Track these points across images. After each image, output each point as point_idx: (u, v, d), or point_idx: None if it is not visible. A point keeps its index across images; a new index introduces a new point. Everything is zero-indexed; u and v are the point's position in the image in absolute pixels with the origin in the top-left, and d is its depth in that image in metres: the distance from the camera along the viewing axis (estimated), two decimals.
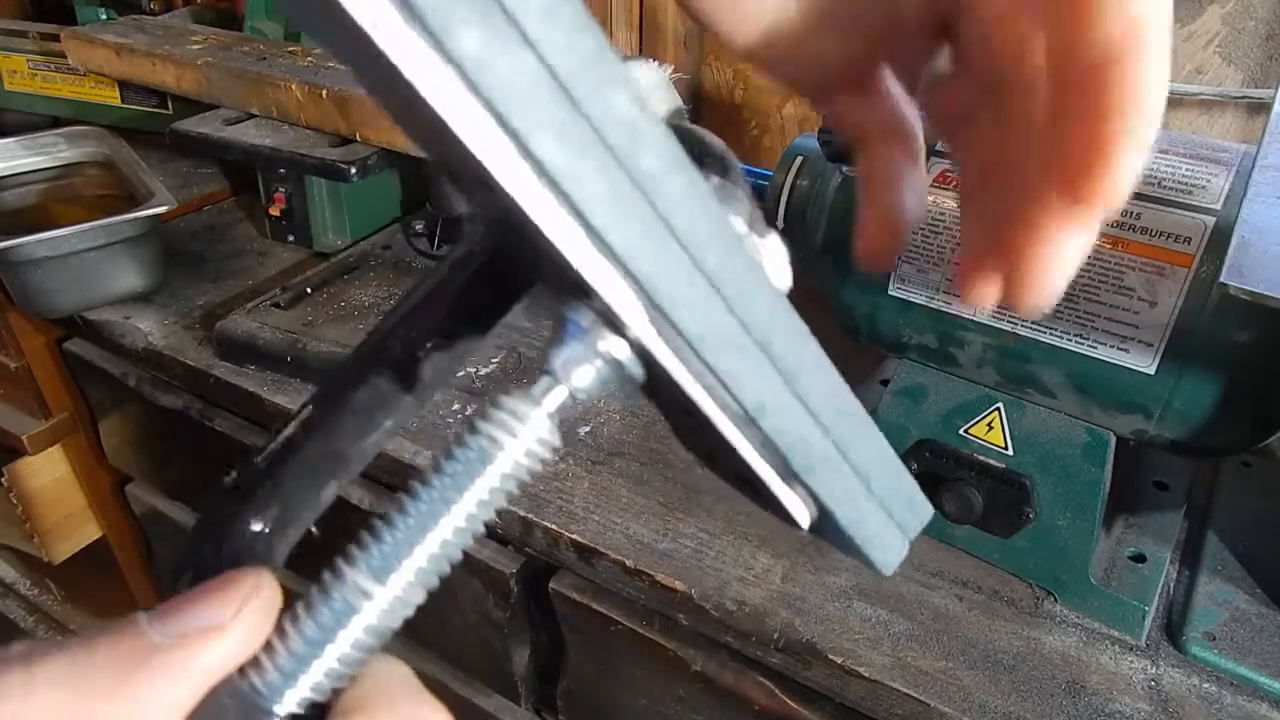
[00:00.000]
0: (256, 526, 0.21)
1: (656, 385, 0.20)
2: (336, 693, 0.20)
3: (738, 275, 0.17)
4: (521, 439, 0.19)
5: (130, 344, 0.85)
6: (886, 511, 0.22)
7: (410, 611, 0.20)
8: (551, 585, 0.68)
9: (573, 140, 0.15)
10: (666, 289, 0.17)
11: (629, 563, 0.61)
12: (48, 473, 1.10)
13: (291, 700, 0.19)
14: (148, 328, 0.86)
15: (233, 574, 0.20)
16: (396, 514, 0.19)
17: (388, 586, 0.19)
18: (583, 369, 0.19)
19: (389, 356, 0.22)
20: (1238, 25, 0.70)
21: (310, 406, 0.22)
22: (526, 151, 0.15)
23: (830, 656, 0.55)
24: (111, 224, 0.82)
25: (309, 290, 0.86)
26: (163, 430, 0.96)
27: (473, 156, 0.15)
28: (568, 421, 0.18)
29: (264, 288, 0.89)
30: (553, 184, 0.15)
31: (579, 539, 0.63)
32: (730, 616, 0.58)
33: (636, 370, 0.19)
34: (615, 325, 0.18)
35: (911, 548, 0.23)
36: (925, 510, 0.23)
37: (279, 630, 0.19)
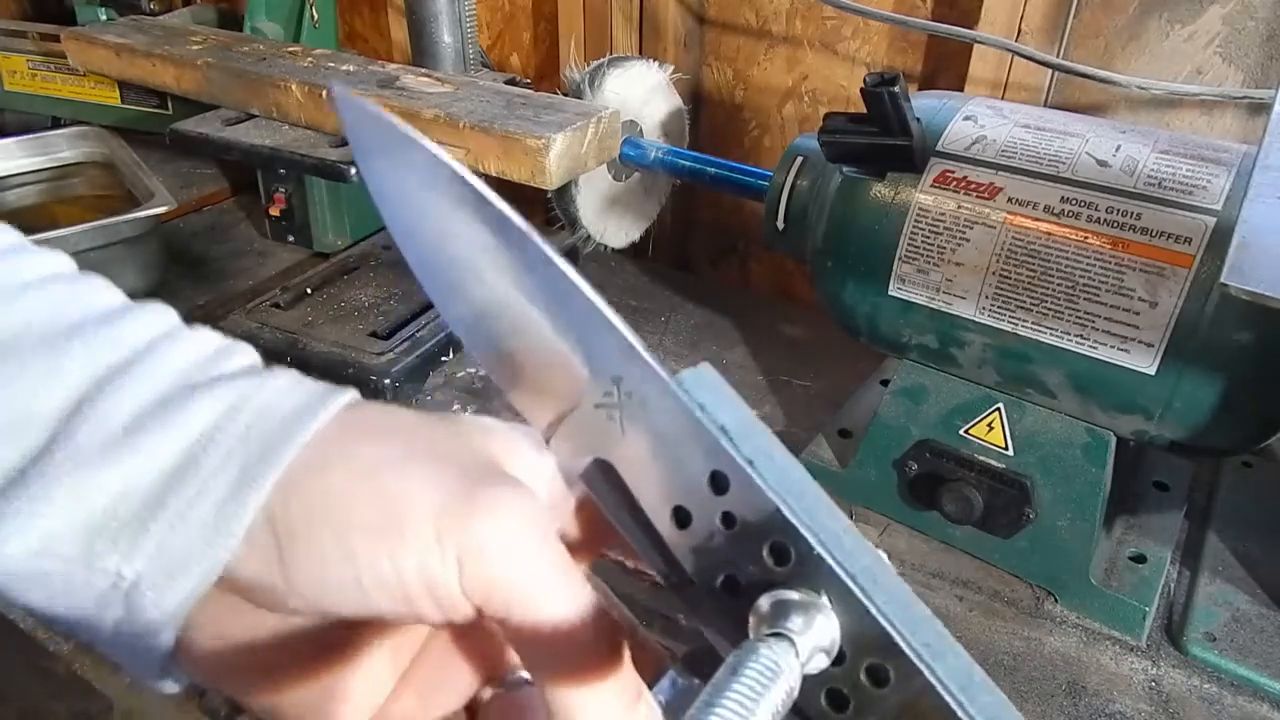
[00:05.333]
0: None
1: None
2: None
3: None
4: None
5: None
6: None
7: None
8: None
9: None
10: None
11: (629, 563, 0.61)
12: None
13: None
14: None
15: None
16: None
17: None
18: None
19: None
20: (1238, 25, 0.70)
21: None
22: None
23: None
24: (111, 224, 0.82)
25: (309, 290, 0.86)
26: None
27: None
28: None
29: (264, 288, 0.89)
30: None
31: None
32: None
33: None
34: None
35: None
36: None
37: None
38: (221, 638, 0.23)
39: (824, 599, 0.20)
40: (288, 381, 0.24)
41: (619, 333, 0.21)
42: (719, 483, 0.21)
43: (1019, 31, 0.75)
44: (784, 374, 0.82)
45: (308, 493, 0.21)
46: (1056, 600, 0.58)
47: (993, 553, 0.60)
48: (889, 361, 0.74)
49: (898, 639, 0.20)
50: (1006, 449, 0.57)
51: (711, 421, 0.20)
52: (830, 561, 0.20)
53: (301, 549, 0.21)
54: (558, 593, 0.22)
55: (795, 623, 0.20)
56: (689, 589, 0.23)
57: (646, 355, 0.21)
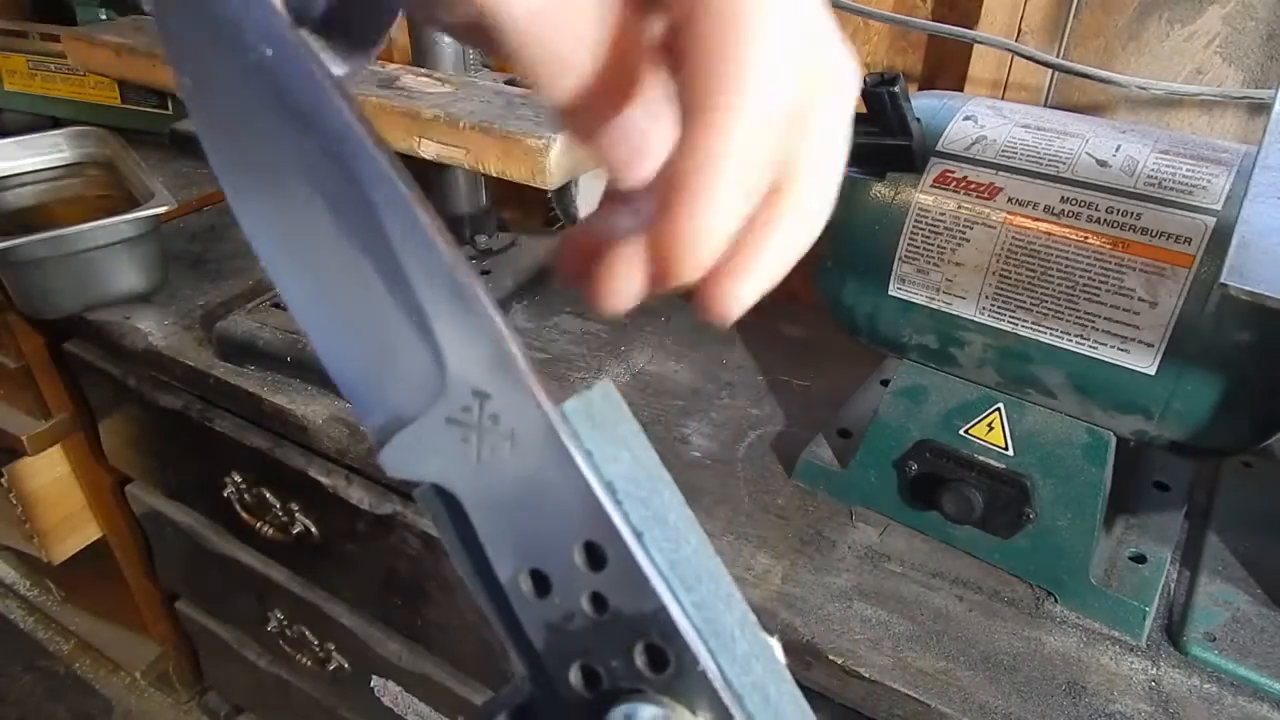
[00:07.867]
0: None
1: None
2: None
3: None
4: None
5: (130, 344, 0.85)
6: None
7: None
8: None
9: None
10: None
11: None
12: (48, 473, 1.10)
13: None
14: (148, 328, 0.86)
15: None
16: None
17: None
18: None
19: None
20: (1238, 25, 0.70)
21: None
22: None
23: (831, 657, 0.55)
24: (111, 224, 0.82)
25: None
26: (163, 430, 0.96)
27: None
28: None
29: (264, 288, 0.89)
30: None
31: None
32: None
33: None
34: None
35: None
36: None
37: None
38: None
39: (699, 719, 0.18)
40: None
41: (492, 333, 0.16)
42: (595, 556, 0.17)
43: (1019, 31, 0.75)
44: (784, 374, 0.82)
45: None
46: (1056, 600, 0.58)
47: (993, 553, 0.60)
48: (889, 361, 0.74)
49: None
50: (1006, 449, 0.57)
51: (597, 477, 0.16)
52: (718, 684, 0.17)
53: None
54: None
55: None
56: (535, 664, 0.18)
57: (524, 371, 0.16)
